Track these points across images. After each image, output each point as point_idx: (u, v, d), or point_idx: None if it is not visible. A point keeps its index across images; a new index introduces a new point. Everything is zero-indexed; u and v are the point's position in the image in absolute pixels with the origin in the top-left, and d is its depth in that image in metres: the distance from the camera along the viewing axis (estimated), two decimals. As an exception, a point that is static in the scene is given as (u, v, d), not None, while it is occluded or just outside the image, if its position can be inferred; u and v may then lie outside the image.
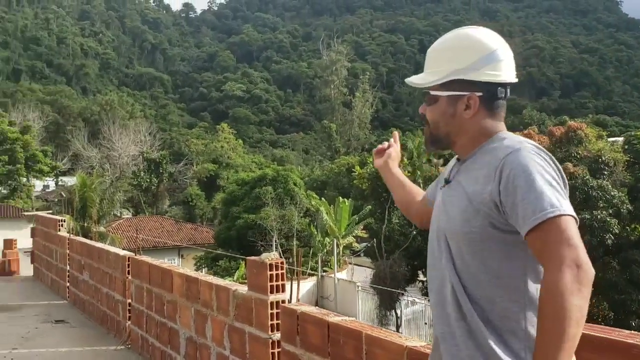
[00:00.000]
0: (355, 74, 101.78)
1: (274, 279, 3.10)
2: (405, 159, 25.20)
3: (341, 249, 26.96)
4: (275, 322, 3.07)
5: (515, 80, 1.75)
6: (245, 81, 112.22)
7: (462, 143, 1.73)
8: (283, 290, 3.11)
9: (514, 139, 1.64)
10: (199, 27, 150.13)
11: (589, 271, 1.40)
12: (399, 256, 19.25)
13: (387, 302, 20.06)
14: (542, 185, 1.48)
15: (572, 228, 1.44)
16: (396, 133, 2.34)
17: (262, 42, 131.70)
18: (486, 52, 1.69)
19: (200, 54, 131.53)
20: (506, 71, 1.71)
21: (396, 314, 20.37)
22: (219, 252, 27.16)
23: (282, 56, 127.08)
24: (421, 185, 20.91)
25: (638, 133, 22.89)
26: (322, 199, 29.83)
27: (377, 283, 19.43)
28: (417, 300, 20.68)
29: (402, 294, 20.01)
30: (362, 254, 29.70)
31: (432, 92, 1.73)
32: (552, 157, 1.59)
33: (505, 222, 1.54)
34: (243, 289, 3.38)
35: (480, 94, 1.68)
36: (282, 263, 3.11)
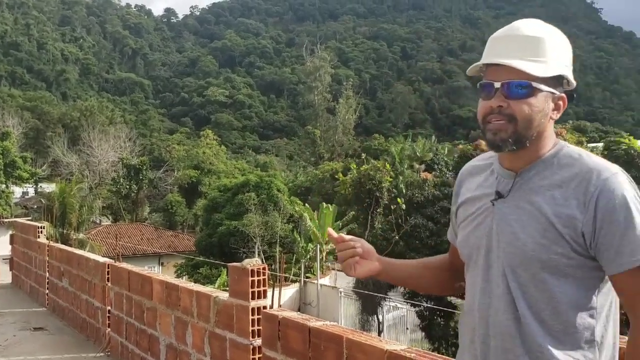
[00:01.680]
0: (338, 80, 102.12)
1: (256, 285, 3.09)
2: (388, 165, 25.32)
3: (324, 254, 26.95)
4: (256, 328, 3.06)
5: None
6: (227, 86, 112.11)
7: (535, 147, 1.53)
8: (265, 297, 3.10)
9: (592, 155, 1.51)
10: (181, 32, 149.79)
11: None
12: (382, 262, 19.28)
13: (369, 308, 20.08)
14: None
15: None
16: (330, 230, 1.85)
17: (244, 47, 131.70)
18: (571, 52, 1.58)
19: (182, 59, 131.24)
20: None
21: (378, 319, 20.40)
22: (199, 259, 27.01)
23: (265, 62, 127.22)
24: (404, 191, 21.00)
25: (618, 139, 23.21)
26: (306, 205, 29.84)
27: (360, 288, 19.45)
28: (399, 305, 20.72)
29: (385, 299, 20.04)
30: (344, 260, 29.68)
31: (535, 84, 1.49)
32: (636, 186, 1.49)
33: (586, 250, 1.45)
34: (224, 295, 3.37)
35: (564, 95, 1.55)
36: (264, 269, 3.10)
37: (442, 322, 17.76)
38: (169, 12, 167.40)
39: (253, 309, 3.07)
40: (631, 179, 1.47)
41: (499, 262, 1.52)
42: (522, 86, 1.48)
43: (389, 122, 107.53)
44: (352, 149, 76.70)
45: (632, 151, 23.14)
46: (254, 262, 3.15)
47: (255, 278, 3.11)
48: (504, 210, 1.54)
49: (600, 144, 25.62)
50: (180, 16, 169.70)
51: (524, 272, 1.48)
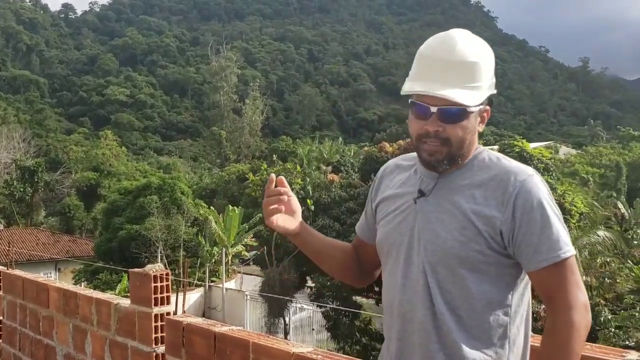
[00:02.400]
0: (245, 80, 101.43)
1: (159, 291, 3.00)
2: (298, 167, 25.45)
3: (230, 258, 26.69)
4: (159, 335, 2.98)
5: None
6: (128, 85, 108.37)
7: (462, 158, 1.59)
8: (168, 303, 3.02)
9: (509, 159, 1.59)
10: (80, 29, 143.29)
11: (590, 315, 1.48)
12: (289, 263, 19.36)
13: (275, 310, 20.09)
14: (556, 221, 1.49)
15: (577, 269, 1.50)
16: (273, 176, 1.78)
17: (147, 45, 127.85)
18: (494, 61, 1.62)
19: (80, 56, 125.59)
20: None
21: (284, 321, 20.45)
22: (99, 264, 26.01)
23: (168, 60, 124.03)
24: (311, 192, 21.18)
25: (511, 142, 24.49)
26: (211, 207, 29.41)
27: (266, 291, 19.41)
28: (305, 306, 20.87)
29: (291, 301, 20.12)
30: (251, 263, 29.57)
31: (470, 109, 1.53)
32: None
33: (503, 247, 1.52)
34: (125, 302, 3.25)
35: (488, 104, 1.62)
36: (167, 274, 3.02)
37: (347, 322, 18.04)
38: (67, 7, 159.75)
39: (156, 316, 2.98)
40: (544, 180, 1.55)
41: (419, 258, 1.56)
42: (457, 113, 1.53)
43: (296, 124, 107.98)
44: (259, 150, 76.48)
45: (525, 153, 24.64)
46: (156, 268, 3.06)
47: (158, 284, 3.02)
48: (426, 208, 1.59)
49: (496, 147, 27.00)
50: (79, 12, 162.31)
51: (443, 269, 1.53)
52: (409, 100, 1.61)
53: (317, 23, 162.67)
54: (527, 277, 1.57)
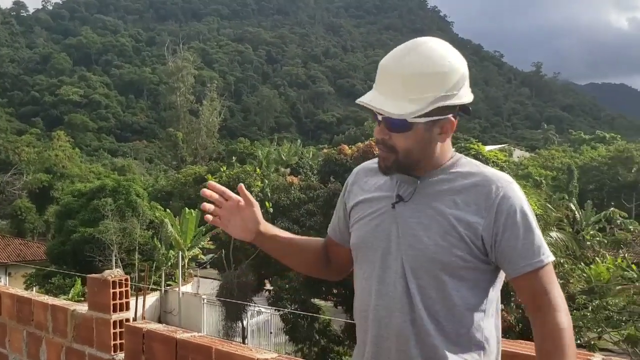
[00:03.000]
0: (202, 81, 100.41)
1: (117, 296, 2.94)
2: (258, 169, 25.30)
3: (186, 261, 26.36)
4: (118, 341, 2.91)
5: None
6: (82, 85, 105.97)
7: (427, 165, 1.60)
8: (127, 309, 2.95)
9: (487, 167, 1.62)
10: (32, 27, 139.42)
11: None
12: (247, 266, 19.23)
13: (233, 314, 19.92)
14: (535, 227, 1.53)
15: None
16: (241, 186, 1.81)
17: (101, 45, 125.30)
18: (462, 71, 1.57)
19: (33, 55, 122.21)
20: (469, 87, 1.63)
21: (242, 325, 20.30)
22: (52, 269, 25.37)
23: (123, 60, 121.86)
24: (269, 195, 21.09)
25: (467, 145, 24.89)
26: (167, 210, 29.00)
27: (224, 294, 19.23)
28: (262, 310, 20.77)
29: (249, 305, 19.99)
30: (208, 266, 29.28)
31: (410, 120, 1.53)
32: None
33: (484, 254, 1.53)
34: (83, 308, 3.17)
35: (452, 115, 1.58)
36: (126, 280, 2.95)
37: (305, 324, 18.02)
38: (19, 5, 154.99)
39: (115, 322, 2.91)
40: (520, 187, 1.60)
41: (397, 264, 1.56)
42: (399, 123, 1.53)
43: (254, 126, 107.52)
44: (217, 152, 75.82)
45: (480, 156, 25.11)
46: (115, 273, 3.00)
47: (117, 290, 2.96)
48: (405, 214, 1.58)
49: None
50: (31, 10, 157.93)
51: (424, 274, 1.53)
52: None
53: (275, 25, 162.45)
54: (498, 283, 1.60)
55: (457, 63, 1.57)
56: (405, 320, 1.53)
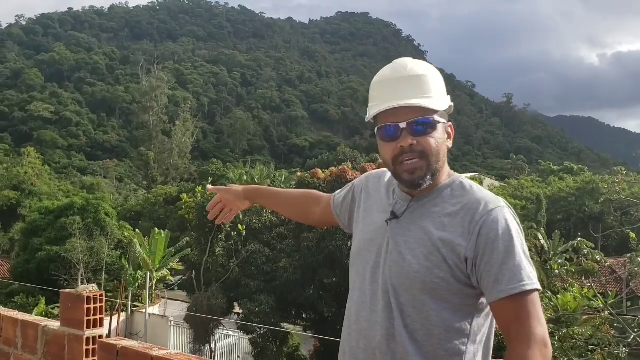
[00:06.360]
0: (176, 102, 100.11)
1: (92, 312, 2.87)
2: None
3: (154, 282, 25.93)
4: (91, 359, 2.84)
5: None
6: (53, 102, 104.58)
7: (436, 178, 1.60)
8: (101, 325, 2.89)
9: (482, 189, 1.59)
10: (4, 42, 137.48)
11: (551, 351, 1.42)
12: (217, 288, 19.02)
13: (201, 337, 19.63)
14: (520, 253, 1.47)
15: (540, 304, 1.46)
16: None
17: (74, 62, 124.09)
18: (443, 81, 1.65)
19: (4, 70, 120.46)
20: None
21: (210, 348, 20.01)
22: (19, 284, 24.70)
23: (96, 78, 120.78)
24: (241, 217, 20.96)
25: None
26: (137, 230, 28.59)
27: (193, 317, 18.94)
28: (231, 333, 20.52)
29: (218, 327, 19.73)
30: (176, 288, 28.87)
31: (436, 118, 1.57)
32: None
33: (467, 277, 1.51)
34: (55, 324, 3.09)
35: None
36: (101, 295, 2.90)
37: (275, 348, 17.84)
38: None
39: (88, 339, 2.85)
40: (515, 213, 1.54)
41: (383, 279, 1.57)
42: (426, 123, 1.55)
43: (227, 148, 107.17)
44: (188, 173, 75.30)
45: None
46: (90, 289, 2.94)
47: (92, 305, 2.90)
48: (396, 231, 1.60)
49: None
50: (4, 25, 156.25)
51: (405, 292, 1.53)
52: (375, 129, 1.62)
53: (251, 48, 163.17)
54: (488, 309, 1.57)
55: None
56: (384, 335, 1.53)
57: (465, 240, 1.49)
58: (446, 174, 1.62)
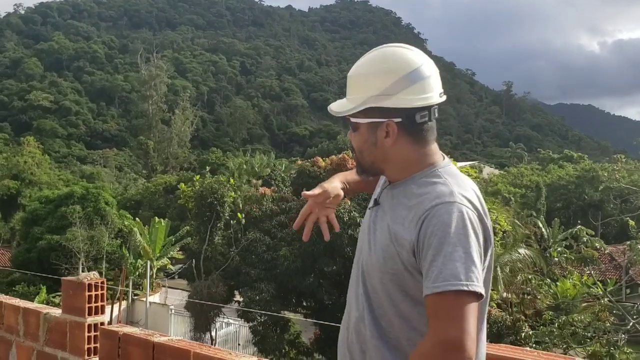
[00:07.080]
0: (175, 91, 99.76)
1: (93, 300, 2.89)
2: (232, 179, 25.21)
3: (155, 271, 26.01)
4: (92, 345, 2.86)
5: (438, 100, 1.60)
6: (53, 91, 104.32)
7: (391, 170, 1.63)
8: (103, 312, 2.91)
9: (449, 183, 1.53)
10: (2, 31, 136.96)
11: (466, 356, 1.33)
12: (217, 277, 19.07)
13: (202, 325, 19.71)
14: (451, 253, 1.40)
15: (465, 307, 1.36)
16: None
17: (73, 51, 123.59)
18: (401, 74, 1.56)
19: (3, 59, 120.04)
20: (425, 92, 1.57)
21: (211, 336, 20.09)
22: (21, 272, 24.82)
23: (95, 67, 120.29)
24: (241, 206, 21.00)
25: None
26: (137, 219, 28.64)
27: (194, 305, 19.01)
28: (231, 321, 20.60)
29: (218, 315, 19.80)
30: (176, 276, 28.96)
31: (353, 120, 1.62)
32: (484, 215, 1.51)
33: (419, 272, 1.48)
34: (56, 311, 3.11)
35: (398, 119, 1.56)
36: (102, 283, 2.92)
37: (275, 336, 17.91)
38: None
39: (89, 326, 2.87)
40: (474, 208, 1.48)
41: (360, 263, 1.65)
42: (352, 124, 1.65)
43: (226, 136, 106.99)
44: (188, 161, 75.29)
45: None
46: (91, 276, 2.96)
47: (93, 293, 2.92)
48: (374, 218, 1.66)
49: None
50: (2, 14, 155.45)
51: (371, 279, 1.58)
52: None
53: (250, 36, 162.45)
54: None
55: (398, 66, 1.58)
56: (357, 317, 1.60)
57: (410, 235, 1.49)
58: (418, 167, 1.60)
